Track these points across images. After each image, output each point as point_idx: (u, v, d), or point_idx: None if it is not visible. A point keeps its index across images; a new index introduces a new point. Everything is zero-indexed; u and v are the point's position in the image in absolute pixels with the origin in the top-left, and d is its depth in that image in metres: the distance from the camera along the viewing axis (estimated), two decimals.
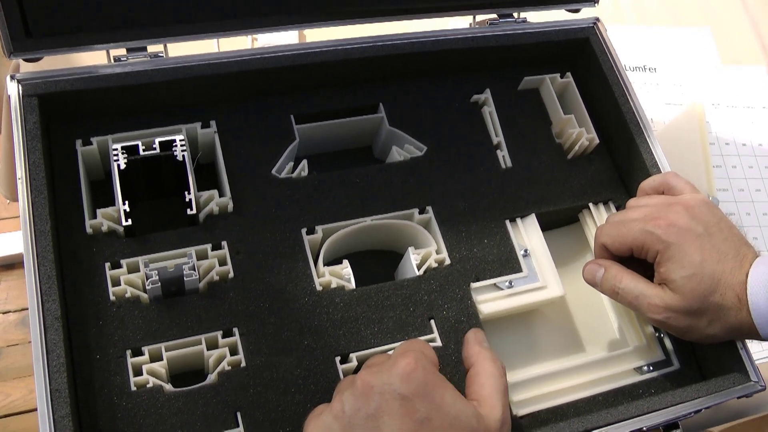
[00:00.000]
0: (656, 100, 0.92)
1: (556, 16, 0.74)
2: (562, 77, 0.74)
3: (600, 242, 0.62)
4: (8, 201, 1.47)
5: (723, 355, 0.61)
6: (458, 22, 0.74)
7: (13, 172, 0.94)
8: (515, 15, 0.73)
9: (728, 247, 0.58)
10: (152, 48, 0.62)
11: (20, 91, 0.58)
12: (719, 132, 0.91)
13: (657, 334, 0.65)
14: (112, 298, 0.56)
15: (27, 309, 1.51)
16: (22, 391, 1.40)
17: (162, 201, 0.63)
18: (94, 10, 0.57)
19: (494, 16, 0.73)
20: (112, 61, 0.61)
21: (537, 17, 0.74)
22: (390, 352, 0.55)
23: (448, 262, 0.64)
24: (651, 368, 0.63)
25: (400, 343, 0.58)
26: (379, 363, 0.51)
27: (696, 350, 0.64)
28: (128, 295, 0.56)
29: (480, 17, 0.73)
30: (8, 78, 0.58)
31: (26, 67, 0.61)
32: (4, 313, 1.52)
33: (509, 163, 0.70)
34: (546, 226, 0.69)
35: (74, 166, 0.60)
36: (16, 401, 1.38)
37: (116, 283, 0.56)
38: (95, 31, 0.58)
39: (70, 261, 0.56)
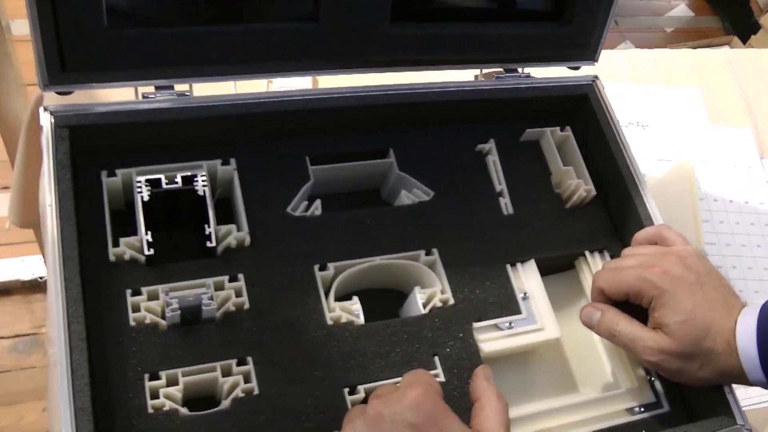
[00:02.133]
0: (648, 156, 0.96)
1: (558, 72, 0.78)
2: (561, 130, 0.78)
3: (597, 287, 0.65)
4: (7, 226, 1.49)
5: (711, 398, 0.64)
6: (466, 75, 0.77)
7: (26, 198, 0.96)
8: (520, 70, 0.78)
9: (718, 296, 0.61)
10: (179, 87, 0.65)
11: (53, 122, 0.61)
12: (708, 188, 0.95)
13: (648, 377, 0.68)
14: (132, 323, 0.58)
15: (19, 336, 1.51)
16: (11, 417, 1.40)
17: (181, 233, 0.66)
18: (126, 48, 0.61)
19: (500, 70, 0.77)
20: (140, 97, 0.64)
21: (540, 73, 0.78)
22: (397, 382, 0.58)
23: (452, 302, 0.66)
24: (642, 409, 0.66)
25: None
26: (389, 393, 0.53)
27: (685, 393, 0.67)
28: (147, 321, 0.58)
29: (486, 71, 0.77)
30: (41, 109, 0.61)
31: (51, 99, 0.64)
32: None
33: (511, 210, 0.73)
34: (544, 272, 0.72)
35: (99, 195, 0.63)
36: (6, 429, 1.38)
37: (136, 309, 0.59)
38: (126, 68, 0.62)
39: (92, 286, 0.58)
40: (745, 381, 0.60)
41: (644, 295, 0.62)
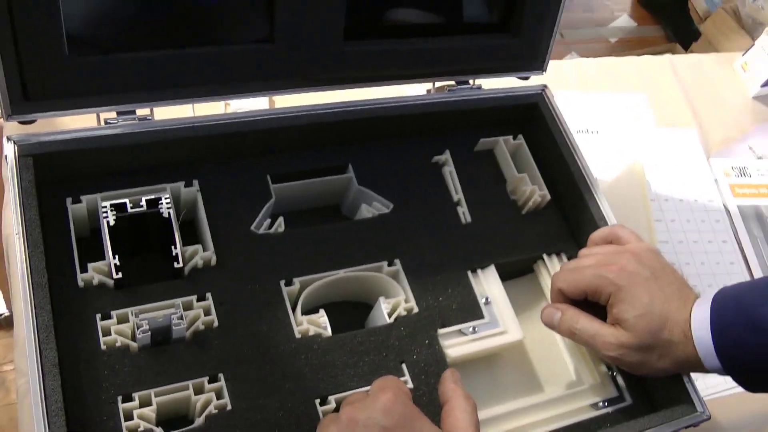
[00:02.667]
0: (599, 160, 0.99)
1: (508, 83, 0.81)
2: (514, 139, 0.80)
3: (557, 287, 0.68)
4: None
5: (671, 389, 0.67)
6: (420, 88, 0.80)
7: None
8: (471, 82, 0.80)
9: (673, 289, 0.64)
10: (140, 111, 0.66)
11: (16, 152, 0.62)
12: (658, 189, 0.99)
13: (610, 373, 0.70)
14: (103, 347, 0.59)
15: None
16: None
17: (148, 256, 0.66)
18: (87, 75, 0.62)
19: (452, 82, 0.80)
20: (103, 123, 0.65)
21: (491, 84, 0.80)
22: (367, 390, 0.59)
23: (416, 310, 0.68)
24: (606, 404, 0.68)
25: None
26: (360, 399, 0.55)
27: (646, 386, 0.69)
28: (118, 344, 0.59)
29: (439, 84, 0.80)
30: (5, 139, 0.61)
31: (13, 129, 0.65)
32: None
33: (469, 219, 0.75)
34: (504, 277, 0.74)
35: (65, 222, 0.63)
36: None
37: (107, 332, 0.59)
38: (88, 94, 0.63)
39: (62, 312, 0.59)
40: (702, 368, 0.63)
41: (602, 293, 0.65)
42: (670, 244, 0.94)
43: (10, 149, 0.61)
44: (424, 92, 0.80)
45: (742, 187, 1.02)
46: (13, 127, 0.63)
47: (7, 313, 1.53)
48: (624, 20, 2.67)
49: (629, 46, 2.54)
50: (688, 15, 2.58)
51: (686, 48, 2.38)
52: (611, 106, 1.05)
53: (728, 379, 0.63)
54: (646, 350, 0.63)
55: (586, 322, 0.65)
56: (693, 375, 0.66)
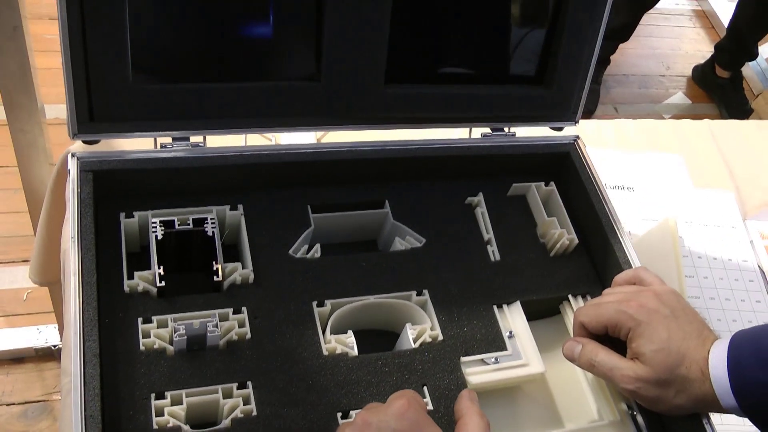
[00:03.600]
0: (634, 216, 1.02)
1: (542, 132, 0.85)
2: (546, 185, 0.84)
3: (579, 321, 0.70)
4: (24, 297, 1.55)
5: (689, 429, 0.67)
6: (456, 132, 0.84)
7: (47, 256, 1.02)
8: (506, 129, 0.84)
9: (692, 329, 0.66)
10: (194, 138, 0.72)
11: (78, 167, 0.68)
12: (692, 246, 1.00)
13: (630, 412, 0.71)
14: (141, 348, 0.63)
15: (30, 402, 1.54)
16: None
17: (191, 274, 0.71)
18: (148, 101, 0.68)
19: (488, 129, 0.84)
20: (159, 147, 0.71)
21: (525, 132, 0.84)
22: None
23: (441, 338, 0.71)
24: None
25: None
26: (376, 406, 0.57)
27: (665, 426, 0.70)
28: (156, 346, 0.63)
29: (475, 129, 0.84)
30: (69, 156, 0.68)
31: (77, 149, 0.71)
32: (8, 405, 1.56)
33: (498, 257, 0.78)
34: (530, 316, 0.76)
35: (117, 235, 0.69)
36: None
37: (146, 335, 0.64)
38: (147, 119, 0.69)
39: (107, 313, 0.64)
40: (719, 408, 0.64)
41: (622, 327, 0.67)
42: (702, 299, 0.95)
43: (73, 164, 0.68)
44: (461, 136, 0.85)
45: None
46: (77, 146, 0.69)
47: (60, 345, 1.59)
48: (678, 98, 2.69)
49: None
50: (743, 94, 2.59)
51: None
52: (648, 165, 1.08)
53: (746, 421, 0.63)
54: (663, 385, 0.64)
55: (605, 356, 0.67)
56: (713, 415, 0.67)
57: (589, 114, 2.41)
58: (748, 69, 2.78)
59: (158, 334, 0.64)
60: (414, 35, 0.77)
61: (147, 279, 0.66)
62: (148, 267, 0.67)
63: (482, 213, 0.81)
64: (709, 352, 0.64)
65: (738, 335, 0.65)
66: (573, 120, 0.84)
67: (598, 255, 0.80)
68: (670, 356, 0.64)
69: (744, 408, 0.62)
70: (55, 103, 1.34)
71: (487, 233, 0.80)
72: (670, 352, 0.64)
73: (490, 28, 0.81)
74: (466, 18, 0.79)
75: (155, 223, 0.68)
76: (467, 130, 0.84)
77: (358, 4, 0.71)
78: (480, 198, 0.82)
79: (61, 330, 1.54)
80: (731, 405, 0.63)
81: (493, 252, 0.79)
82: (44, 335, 1.64)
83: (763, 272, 1.00)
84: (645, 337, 0.65)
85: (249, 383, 0.64)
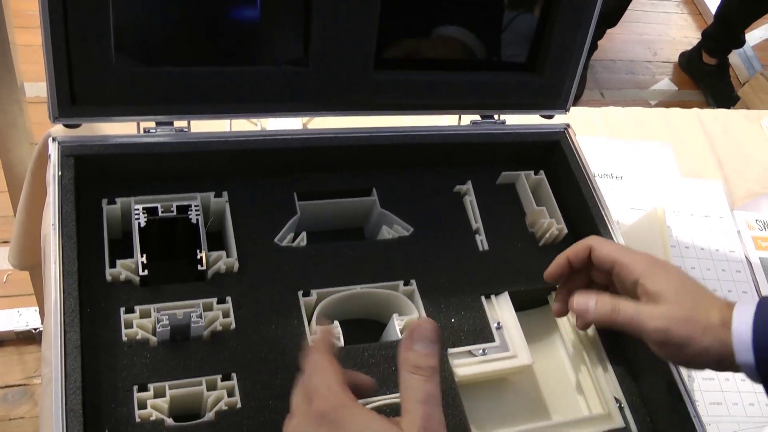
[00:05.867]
0: (622, 205, 1.01)
1: (532, 120, 0.84)
2: (536, 174, 0.83)
3: (587, 244, 0.69)
4: (4, 279, 1.53)
5: (677, 425, 0.67)
6: (446, 119, 0.83)
7: (27, 240, 1.00)
8: (496, 117, 0.83)
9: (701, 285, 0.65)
10: (178, 123, 0.70)
11: (59, 152, 0.66)
12: (680, 236, 1.00)
13: (618, 404, 0.71)
14: (124, 338, 0.61)
15: (9, 387, 1.52)
16: None
17: (175, 261, 0.70)
18: (131, 84, 0.66)
19: (478, 117, 0.83)
20: (142, 131, 0.69)
21: (515, 120, 0.83)
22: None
23: None
24: None
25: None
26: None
27: (653, 418, 0.70)
28: (139, 336, 0.62)
29: (465, 116, 0.83)
30: (50, 140, 0.66)
31: (58, 133, 0.69)
32: None
33: (486, 247, 0.77)
34: (518, 307, 0.75)
35: (99, 221, 0.67)
36: None
37: (129, 325, 0.62)
38: (130, 103, 0.67)
39: (88, 303, 0.62)
40: (729, 364, 0.61)
41: (636, 266, 0.65)
42: None
43: (54, 149, 0.66)
44: (450, 123, 0.83)
45: (765, 240, 1.02)
46: (57, 128, 0.67)
47: (41, 328, 1.57)
48: (665, 84, 2.69)
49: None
50: (729, 81, 2.59)
51: None
52: (637, 154, 1.07)
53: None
54: (692, 321, 0.62)
55: (626, 302, 0.65)
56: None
57: (576, 99, 2.40)
58: (735, 57, 2.79)
59: (141, 324, 0.62)
60: (404, 19, 0.76)
61: (129, 267, 0.65)
62: (130, 255, 0.66)
63: (471, 202, 0.80)
64: (729, 306, 0.62)
65: (766, 298, 0.63)
66: (564, 108, 0.83)
67: None
68: (689, 294, 0.63)
69: (759, 364, 0.60)
70: (35, 81, 1.31)
71: (476, 222, 0.79)
72: (689, 290, 0.63)
73: (481, 12, 0.79)
74: (457, 2, 0.78)
75: (138, 209, 0.67)
76: (456, 117, 0.83)
77: None
78: (469, 186, 0.81)
79: (41, 313, 1.52)
80: (745, 361, 0.60)
81: (482, 241, 0.78)
82: (24, 318, 1.62)
83: (749, 263, 1.00)
84: (663, 276, 0.64)
85: (233, 375, 0.62)
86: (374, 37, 0.72)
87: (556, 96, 0.82)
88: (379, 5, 0.71)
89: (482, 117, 0.83)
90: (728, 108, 2.29)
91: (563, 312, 0.73)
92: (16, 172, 1.21)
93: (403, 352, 0.52)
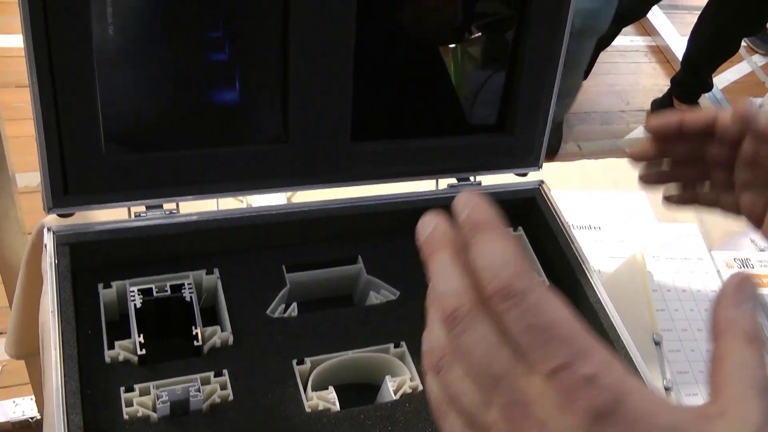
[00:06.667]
0: (601, 254, 1.04)
1: (508, 179, 0.88)
2: (514, 231, 0.86)
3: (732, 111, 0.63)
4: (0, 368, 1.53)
5: None
6: (424, 185, 0.86)
7: (24, 328, 1.02)
8: (472, 179, 0.87)
9: None
10: (167, 205, 0.73)
11: (55, 241, 0.69)
12: (661, 280, 1.03)
13: None
14: (125, 416, 0.63)
15: None
16: None
17: (171, 338, 0.72)
18: (121, 172, 0.70)
19: (454, 180, 0.86)
20: (133, 216, 0.73)
21: (491, 180, 0.87)
22: None
23: (421, 388, 0.72)
24: None
25: None
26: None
27: None
28: (140, 414, 0.64)
29: (442, 180, 0.86)
30: (45, 229, 0.69)
31: (51, 221, 0.72)
32: None
33: None
34: None
35: (96, 305, 0.70)
36: None
37: (129, 404, 0.64)
38: (121, 189, 0.70)
39: (89, 385, 0.64)
40: None
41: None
42: (675, 331, 0.97)
43: (49, 239, 0.69)
44: (429, 187, 0.87)
45: None
46: (50, 218, 0.70)
47: (38, 417, 1.57)
48: (639, 131, 2.76)
49: None
50: None
51: None
52: (613, 204, 1.11)
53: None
54: None
55: None
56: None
57: (553, 152, 2.45)
58: (706, 100, 2.87)
59: (141, 402, 0.64)
60: (377, 93, 0.80)
61: (127, 348, 0.67)
62: (127, 335, 0.68)
63: None
64: None
65: None
66: (536, 165, 0.87)
67: (568, 296, 0.81)
68: None
69: None
70: (24, 172, 1.35)
71: None
72: None
73: (449, 79, 0.83)
74: (426, 72, 0.82)
75: (133, 292, 0.69)
76: (434, 182, 0.86)
77: (321, 68, 0.73)
78: None
79: (38, 402, 1.52)
80: None
81: None
82: (21, 408, 1.62)
83: None
84: None
85: None
86: (349, 111, 0.76)
87: (527, 154, 0.86)
88: (351, 81, 0.75)
89: (459, 180, 0.86)
90: None
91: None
92: (9, 262, 1.24)
93: (725, 310, 0.36)
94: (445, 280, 0.38)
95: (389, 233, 0.83)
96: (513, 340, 0.33)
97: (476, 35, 0.85)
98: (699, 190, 0.63)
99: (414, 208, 0.83)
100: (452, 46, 0.83)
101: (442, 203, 0.83)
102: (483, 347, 0.34)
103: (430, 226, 0.41)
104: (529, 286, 0.33)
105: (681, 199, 0.64)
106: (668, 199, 0.66)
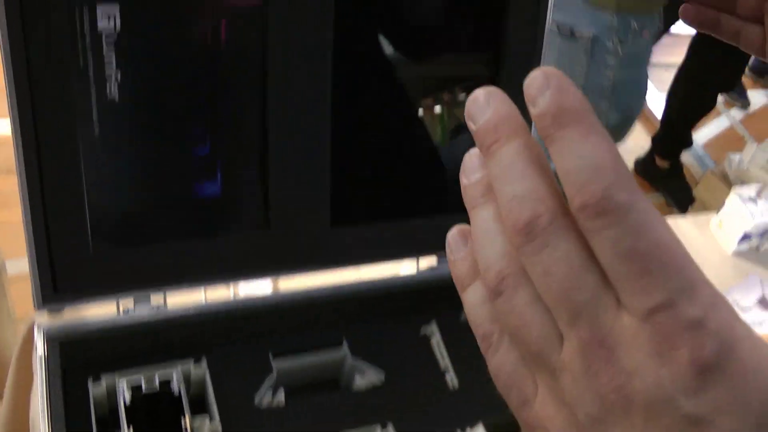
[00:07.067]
0: None
1: None
2: None
3: None
4: None
5: None
6: (405, 264, 0.89)
7: (16, 423, 1.03)
8: None
9: None
10: (155, 298, 0.75)
11: (45, 339, 0.71)
12: None
13: None
14: None
15: None
16: None
17: (160, 430, 0.73)
18: (109, 269, 0.72)
19: (434, 260, 0.89)
20: (121, 309, 0.74)
21: None
22: None
23: None
24: None
25: None
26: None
27: None
28: None
29: (423, 260, 0.89)
30: (36, 327, 0.70)
31: (41, 317, 0.74)
32: None
33: (456, 385, 0.82)
34: None
35: (85, 399, 0.71)
36: None
37: None
38: (109, 285, 0.72)
39: None
40: None
41: None
42: None
43: (39, 337, 0.70)
44: (409, 267, 0.89)
45: None
46: (42, 316, 0.72)
47: None
48: None
49: None
50: (685, 181, 2.70)
51: (684, 212, 2.48)
52: None
53: None
54: None
55: None
56: None
57: None
58: (688, 156, 2.91)
59: None
60: (355, 179, 0.83)
61: None
62: (117, 428, 0.69)
63: (437, 342, 0.85)
64: None
65: None
66: None
67: None
68: None
69: None
70: (16, 258, 1.36)
71: (443, 361, 0.83)
72: None
73: (425, 160, 0.87)
74: (404, 152, 0.85)
75: (123, 388, 0.71)
76: (415, 262, 0.89)
77: (300, 157, 0.76)
78: (434, 327, 0.86)
79: None
80: None
81: (451, 380, 0.82)
82: None
83: None
84: None
85: None
86: (328, 198, 0.79)
87: None
88: (329, 169, 0.78)
89: (439, 258, 0.88)
90: (687, 208, 2.39)
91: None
92: (1, 352, 1.24)
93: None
94: (519, 182, 0.29)
95: (374, 316, 0.85)
96: (604, 265, 0.27)
97: (461, 95, 0.87)
98: (722, 15, 0.55)
99: (397, 291, 0.86)
100: (437, 110, 0.86)
101: (425, 285, 0.86)
102: (564, 268, 0.27)
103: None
104: (630, 201, 0.26)
105: (701, 15, 0.60)
106: (685, 13, 0.59)
